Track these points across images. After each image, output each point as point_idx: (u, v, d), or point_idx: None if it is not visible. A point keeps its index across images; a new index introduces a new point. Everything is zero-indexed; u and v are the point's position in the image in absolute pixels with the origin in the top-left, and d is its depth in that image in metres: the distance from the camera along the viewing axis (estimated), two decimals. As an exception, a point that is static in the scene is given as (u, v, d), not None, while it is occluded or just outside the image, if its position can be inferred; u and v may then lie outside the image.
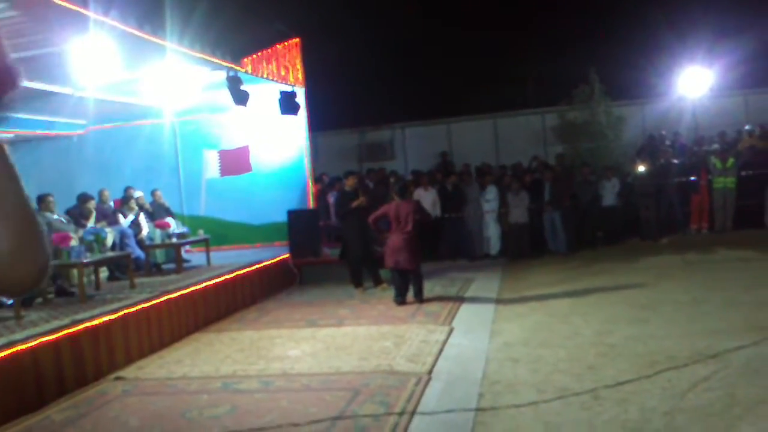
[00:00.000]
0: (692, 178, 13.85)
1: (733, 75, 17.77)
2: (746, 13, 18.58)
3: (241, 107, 10.61)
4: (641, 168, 13.84)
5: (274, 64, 11.57)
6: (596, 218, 13.61)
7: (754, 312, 7.15)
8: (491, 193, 13.48)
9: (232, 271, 9.83)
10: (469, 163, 15.93)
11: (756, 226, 13.30)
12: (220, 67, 9.98)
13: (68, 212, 10.00)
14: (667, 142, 15.75)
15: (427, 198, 13.63)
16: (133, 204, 11.07)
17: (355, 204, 9.96)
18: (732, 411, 4.53)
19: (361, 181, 13.05)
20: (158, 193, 11.96)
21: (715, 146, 14.54)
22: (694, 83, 17.41)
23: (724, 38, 17.69)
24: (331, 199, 13.89)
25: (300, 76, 12.47)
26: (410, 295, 9.26)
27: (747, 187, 13.52)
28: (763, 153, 14.11)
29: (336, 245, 12.34)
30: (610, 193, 13.60)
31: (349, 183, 10.31)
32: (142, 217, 10.92)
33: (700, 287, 8.79)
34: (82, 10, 6.71)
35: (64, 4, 6.46)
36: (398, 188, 9.92)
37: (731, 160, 13.59)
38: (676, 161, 14.22)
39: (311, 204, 12.88)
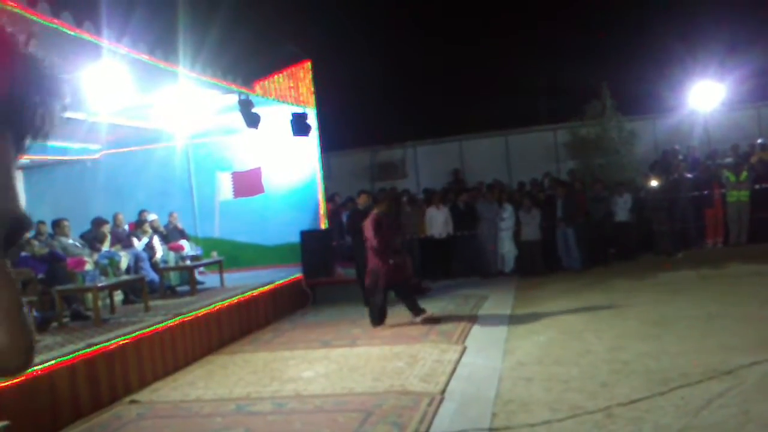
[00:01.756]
0: (705, 192, 13.79)
1: (745, 88, 17.73)
2: (758, 26, 18.55)
3: (253, 129, 10.71)
4: (654, 182, 13.80)
5: (285, 85, 11.67)
6: (609, 234, 13.57)
7: (769, 327, 7.10)
8: (507, 211, 13.49)
9: (245, 293, 9.87)
10: (482, 180, 15.96)
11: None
12: (231, 91, 10.09)
13: (83, 236, 10.09)
14: (680, 156, 15.71)
15: (439, 216, 13.67)
16: (147, 227, 11.15)
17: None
18: (746, 428, 4.50)
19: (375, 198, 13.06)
20: (175, 215, 12.04)
21: (729, 159, 14.47)
22: (706, 97, 17.36)
23: (735, 51, 17.67)
24: (344, 219, 13.93)
25: (311, 97, 12.57)
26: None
27: (761, 201, 13.45)
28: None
29: (348, 265, 12.37)
30: (622, 208, 13.56)
31: (362, 201, 10.24)
32: (156, 240, 11.00)
33: (714, 302, 8.73)
34: (95, 40, 6.83)
35: (78, 34, 6.57)
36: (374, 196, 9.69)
37: (744, 174, 13.52)
38: (689, 175, 14.17)
39: (324, 224, 12.93)
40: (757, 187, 13.49)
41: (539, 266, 13.12)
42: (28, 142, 0.77)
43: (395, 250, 9.48)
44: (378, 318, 9.16)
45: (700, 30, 19.45)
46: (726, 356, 6.16)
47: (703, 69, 17.52)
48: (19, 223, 0.74)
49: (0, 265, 0.70)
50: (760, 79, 17.73)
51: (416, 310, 9.14)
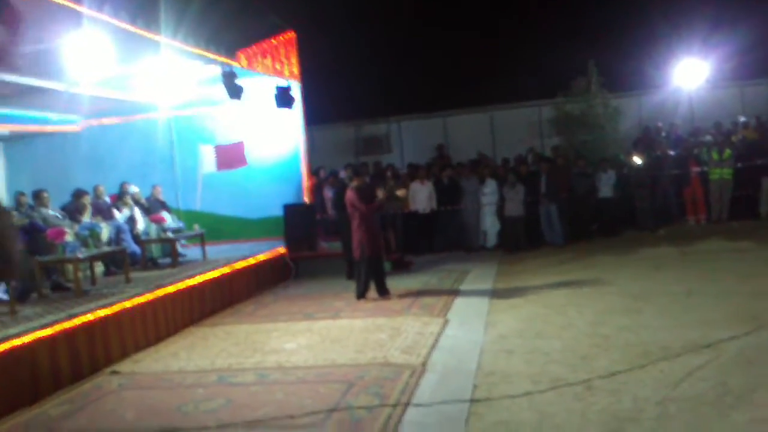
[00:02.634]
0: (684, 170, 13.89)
1: (729, 66, 17.78)
2: (742, 4, 18.57)
3: (236, 101, 10.60)
4: (637, 160, 13.85)
5: (269, 58, 11.54)
6: (592, 210, 13.63)
7: (747, 302, 7.18)
8: (490, 186, 13.49)
9: (227, 265, 9.84)
10: (466, 155, 15.95)
11: (751, 217, 13.32)
12: (214, 62, 9.96)
13: (63, 208, 9.99)
14: (663, 134, 15.76)
15: (423, 191, 13.66)
16: (128, 199, 11.05)
17: (400, 193, 9.75)
18: (724, 400, 4.55)
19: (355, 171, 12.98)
20: (158, 188, 11.90)
21: (708, 137, 14.53)
22: (691, 74, 17.41)
23: (719, 30, 17.69)
24: (328, 193, 13.88)
25: (295, 69, 12.45)
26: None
27: (741, 178, 13.54)
28: (757, 144, 14.12)
29: (332, 239, 12.36)
30: (606, 185, 13.59)
31: (357, 183, 9.93)
32: (137, 212, 10.92)
33: (694, 278, 8.81)
34: (75, 6, 6.70)
35: (58, 1, 6.44)
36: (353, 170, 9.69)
37: (728, 152, 13.58)
38: (672, 153, 14.23)
39: (307, 198, 12.88)
40: (740, 165, 13.56)
41: (522, 242, 13.16)
42: None
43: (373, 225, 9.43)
44: (363, 290, 9.24)
45: (685, 8, 19.47)
46: (705, 330, 6.22)
47: (687, 47, 17.55)
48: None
49: None
50: (744, 57, 17.76)
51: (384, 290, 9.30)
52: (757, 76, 17.90)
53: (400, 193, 10.27)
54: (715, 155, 13.57)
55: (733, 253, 10.54)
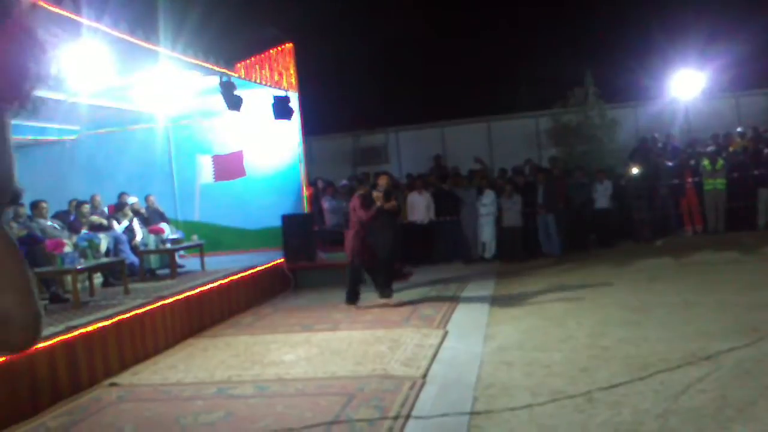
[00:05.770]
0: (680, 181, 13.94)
1: (725, 77, 17.90)
2: (738, 15, 18.71)
3: (234, 112, 10.62)
4: (634, 170, 13.90)
5: (267, 68, 11.58)
6: (589, 221, 13.66)
7: (746, 313, 7.19)
8: (488, 197, 13.51)
9: (226, 276, 9.83)
10: (464, 166, 15.98)
11: (748, 228, 13.36)
12: (213, 72, 9.98)
13: (56, 216, 9.97)
14: (660, 145, 15.83)
15: (421, 202, 13.67)
16: (127, 210, 11.05)
17: (387, 206, 9.61)
18: (724, 412, 4.55)
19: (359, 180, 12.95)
20: (152, 198, 11.95)
21: (711, 148, 14.59)
22: (687, 85, 17.52)
23: (716, 41, 17.82)
24: (325, 204, 13.89)
25: (293, 80, 12.49)
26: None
27: (739, 189, 13.58)
28: (753, 154, 14.18)
29: (331, 249, 12.34)
30: (603, 195, 13.64)
31: (382, 183, 9.87)
32: (136, 223, 10.91)
33: (692, 289, 8.83)
34: (74, 16, 6.72)
35: (57, 10, 6.46)
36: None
37: (720, 162, 13.65)
38: (670, 164, 14.28)
39: (306, 208, 12.88)
40: (735, 175, 13.60)
41: (520, 252, 13.18)
42: (16, 108, 0.76)
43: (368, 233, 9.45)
44: (352, 296, 9.36)
45: (682, 19, 19.60)
46: (704, 342, 6.23)
47: (684, 58, 17.69)
48: (16, 194, 0.73)
49: (3, 234, 0.68)
50: (740, 68, 17.87)
51: (384, 292, 9.44)
52: (753, 86, 18.02)
53: (387, 206, 10.07)
54: (708, 166, 13.63)
55: (731, 264, 10.56)
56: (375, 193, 9.46)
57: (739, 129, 16.02)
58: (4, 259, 0.68)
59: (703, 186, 13.75)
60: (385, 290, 9.34)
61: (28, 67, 0.74)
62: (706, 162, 13.69)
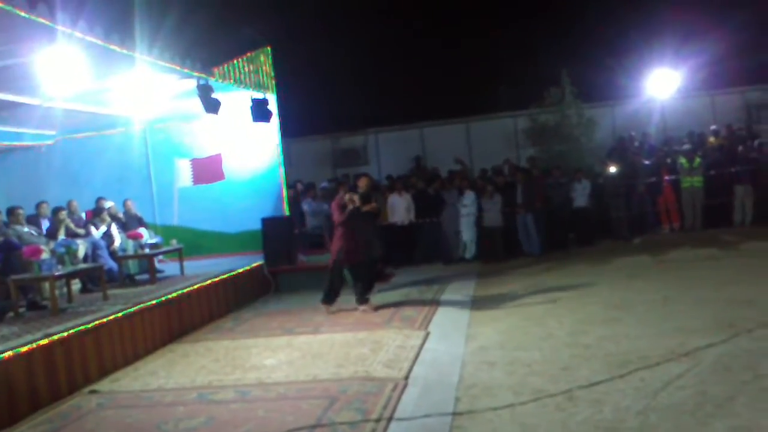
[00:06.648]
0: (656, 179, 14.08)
1: (700, 76, 18.09)
2: (713, 15, 18.91)
3: (212, 115, 10.57)
4: (611, 169, 14.00)
5: (245, 71, 11.53)
6: (568, 220, 13.74)
7: (724, 310, 7.26)
8: (468, 198, 13.53)
9: (206, 281, 9.76)
10: (443, 166, 16.02)
11: (725, 225, 13.52)
12: (190, 76, 9.93)
13: (28, 220, 9.88)
14: (636, 143, 15.97)
15: (402, 203, 13.67)
16: (105, 215, 10.94)
17: (366, 208, 9.44)
18: (704, 408, 4.60)
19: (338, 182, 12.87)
20: (129, 203, 11.85)
21: (687, 146, 14.75)
22: (663, 84, 17.70)
23: (691, 40, 17.99)
24: (305, 206, 13.85)
25: (271, 83, 12.45)
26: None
27: (715, 186, 13.73)
28: (728, 152, 14.34)
29: (311, 252, 12.32)
30: (581, 194, 13.71)
31: (362, 184, 9.79)
32: (114, 228, 10.81)
33: (671, 286, 8.90)
34: (48, 23, 6.65)
35: (31, 16, 6.39)
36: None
37: (698, 160, 13.80)
38: (647, 162, 14.41)
39: (286, 211, 12.84)
40: (711, 173, 13.75)
41: (500, 252, 13.23)
42: None
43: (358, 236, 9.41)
44: (330, 297, 9.32)
45: (657, 19, 19.80)
46: (683, 339, 6.29)
47: (659, 57, 17.84)
48: None
49: None
50: (715, 67, 18.08)
51: (362, 299, 9.32)
52: (728, 85, 18.25)
53: (367, 207, 9.97)
54: (685, 164, 13.77)
55: (708, 261, 10.67)
56: (347, 195, 9.39)
57: (713, 127, 16.21)
58: None
59: (680, 184, 13.89)
60: (362, 297, 9.30)
61: None
62: (683, 160, 13.84)
